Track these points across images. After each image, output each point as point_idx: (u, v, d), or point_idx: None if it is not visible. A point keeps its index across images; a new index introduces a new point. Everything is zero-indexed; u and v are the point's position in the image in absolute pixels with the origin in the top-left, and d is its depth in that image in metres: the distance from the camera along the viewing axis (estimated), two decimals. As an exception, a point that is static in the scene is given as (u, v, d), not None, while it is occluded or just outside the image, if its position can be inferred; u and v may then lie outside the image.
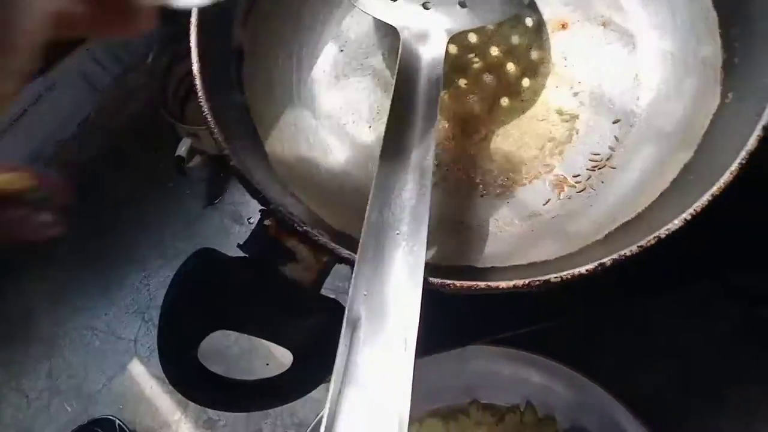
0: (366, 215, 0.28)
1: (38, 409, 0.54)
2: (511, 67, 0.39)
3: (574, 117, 0.38)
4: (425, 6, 0.35)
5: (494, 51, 0.39)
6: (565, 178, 0.37)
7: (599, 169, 0.37)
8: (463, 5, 0.35)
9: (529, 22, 0.39)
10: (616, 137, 0.37)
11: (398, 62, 0.33)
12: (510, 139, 0.39)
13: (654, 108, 0.37)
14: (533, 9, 0.39)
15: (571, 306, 0.46)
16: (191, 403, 0.53)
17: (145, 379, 0.54)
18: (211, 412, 0.52)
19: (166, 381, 0.53)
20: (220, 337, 0.53)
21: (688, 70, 0.36)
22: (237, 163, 0.30)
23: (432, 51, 0.33)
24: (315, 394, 0.33)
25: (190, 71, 0.57)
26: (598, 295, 0.45)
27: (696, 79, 0.35)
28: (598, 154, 0.37)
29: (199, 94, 0.32)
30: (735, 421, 0.47)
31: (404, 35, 0.34)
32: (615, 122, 0.38)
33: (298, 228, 0.29)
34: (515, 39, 0.39)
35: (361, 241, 0.27)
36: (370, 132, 0.39)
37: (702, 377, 0.48)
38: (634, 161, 0.36)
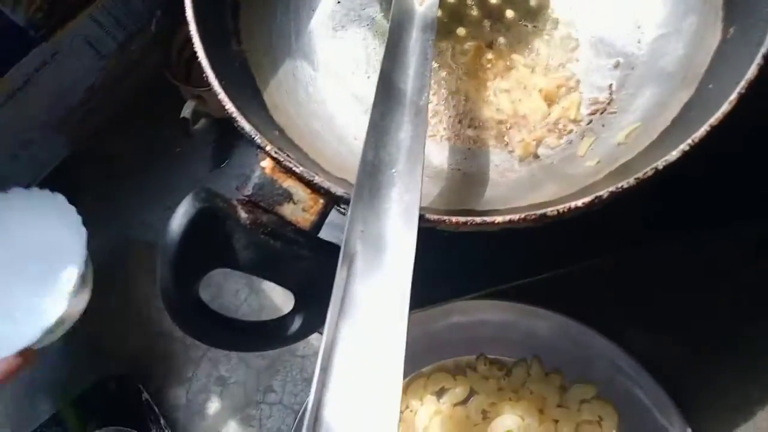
0: (362, 154, 0.28)
1: (51, 369, 0.56)
2: (510, 13, 0.39)
3: (574, 63, 0.38)
4: None
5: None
6: (566, 123, 0.37)
7: (600, 113, 0.37)
8: None
9: (527, -33, 0.39)
10: (617, 80, 0.37)
11: (392, 6, 0.33)
12: (510, 87, 0.38)
13: (655, 49, 0.36)
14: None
15: (577, 256, 0.46)
16: (203, 361, 0.54)
17: (156, 336, 0.55)
18: (223, 370, 0.53)
19: (177, 339, 0.54)
20: (230, 297, 0.54)
21: (689, 9, 0.35)
22: (232, 108, 0.30)
23: None
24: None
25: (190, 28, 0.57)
26: (605, 244, 0.45)
27: (696, 17, 0.35)
28: (599, 98, 0.37)
29: (196, 45, 0.33)
30: (738, 376, 0.47)
31: None
32: (616, 66, 0.37)
33: (294, 168, 0.29)
34: (514, -16, 0.39)
35: (356, 179, 0.27)
36: (368, 82, 0.39)
37: (708, 331, 0.47)
38: (636, 103, 0.36)
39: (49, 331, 0.49)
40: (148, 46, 0.58)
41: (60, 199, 0.53)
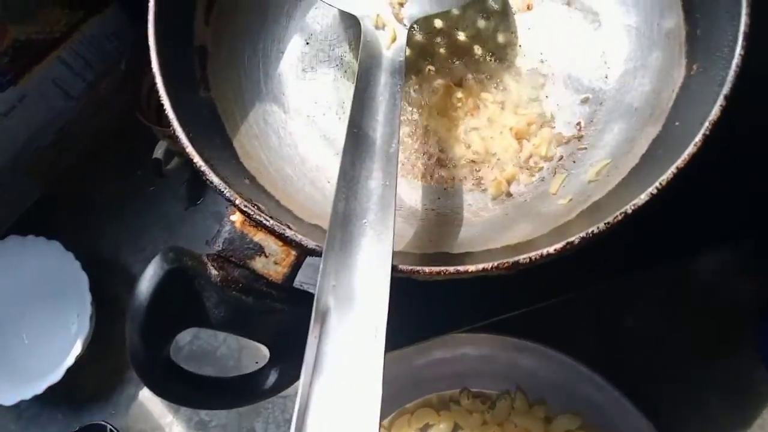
0: (332, 205, 0.28)
1: (29, 419, 0.54)
2: (478, 50, 0.39)
3: (543, 99, 0.38)
4: None
5: (461, 36, 0.39)
6: (537, 159, 0.37)
7: (570, 149, 0.37)
8: None
9: (494, 4, 0.39)
10: (586, 116, 0.37)
11: (360, 51, 0.33)
12: (480, 125, 0.38)
13: (622, 84, 0.37)
14: (497, -9, 0.39)
15: (557, 289, 0.46)
16: (182, 407, 0.53)
17: (135, 383, 0.54)
18: (203, 414, 0.52)
19: (155, 384, 0.53)
20: (209, 339, 0.53)
21: (653, 44, 0.36)
22: (199, 161, 0.30)
23: (394, 38, 0.33)
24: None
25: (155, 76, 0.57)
26: (584, 277, 0.45)
27: (661, 52, 0.35)
28: (569, 134, 0.37)
29: (162, 96, 0.32)
30: (727, 403, 0.47)
31: (365, 24, 0.34)
32: (584, 101, 0.37)
33: (264, 222, 0.29)
34: (481, 23, 0.39)
35: (328, 230, 0.27)
36: (340, 123, 0.39)
37: (693, 359, 0.48)
38: (605, 139, 0.36)
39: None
40: (118, 85, 0.58)
41: (57, 245, 0.53)
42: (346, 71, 0.40)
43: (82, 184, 0.60)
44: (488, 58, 0.39)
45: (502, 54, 0.39)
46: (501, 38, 0.39)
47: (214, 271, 0.28)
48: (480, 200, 0.37)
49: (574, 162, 0.36)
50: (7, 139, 0.52)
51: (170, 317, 0.27)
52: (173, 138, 0.53)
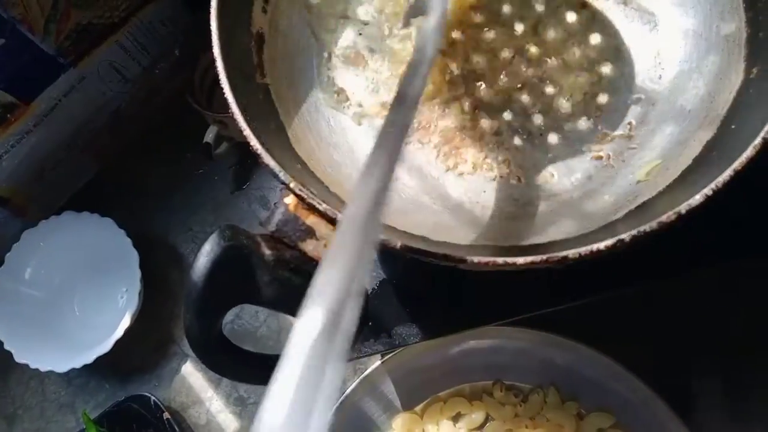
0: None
1: (78, 387, 0.57)
2: (534, 49, 0.39)
3: (595, 96, 0.38)
4: None
5: (519, 28, 0.39)
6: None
7: (619, 148, 0.37)
8: None
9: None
10: (637, 116, 0.37)
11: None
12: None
13: (675, 86, 0.36)
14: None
15: (597, 286, 0.46)
16: (223, 381, 0.55)
17: (178, 357, 0.56)
18: (242, 390, 0.54)
19: (197, 360, 0.55)
20: (250, 319, 0.55)
21: (711, 47, 0.35)
22: (256, 144, 0.31)
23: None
24: (340, 372, 0.34)
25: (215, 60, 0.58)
26: (625, 275, 0.45)
27: (718, 55, 0.35)
28: (618, 133, 0.37)
29: (221, 77, 0.33)
30: (763, 408, 0.46)
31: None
32: (636, 101, 0.37)
33: (317, 206, 0.30)
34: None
35: None
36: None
37: (731, 361, 0.47)
38: (656, 140, 0.36)
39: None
40: (172, 70, 0.60)
41: (110, 222, 0.55)
42: (396, 62, 0.41)
43: (134, 164, 0.62)
44: (545, 56, 0.39)
45: (557, 50, 0.39)
46: (553, 35, 0.39)
47: (267, 251, 0.29)
48: (525, 195, 0.37)
49: (622, 161, 0.36)
50: (66, 118, 0.54)
51: (224, 293, 0.28)
52: (223, 123, 0.55)
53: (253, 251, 0.29)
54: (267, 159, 0.31)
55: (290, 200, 0.30)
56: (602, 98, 0.38)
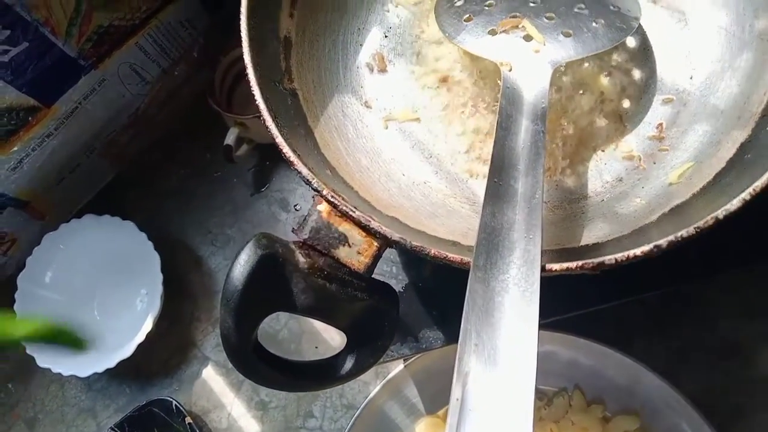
0: (473, 259, 0.27)
1: (98, 391, 0.57)
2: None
3: (626, 98, 0.38)
4: (526, 39, 0.34)
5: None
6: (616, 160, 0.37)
7: (650, 150, 0.37)
8: (567, 35, 0.33)
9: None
10: (668, 117, 0.37)
11: (500, 98, 0.32)
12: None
13: (708, 85, 0.36)
14: None
15: (624, 290, 0.45)
16: (244, 385, 0.55)
17: (199, 361, 0.56)
18: (263, 394, 0.54)
19: (219, 363, 0.55)
20: (271, 322, 0.55)
21: (744, 45, 0.35)
22: (289, 152, 0.31)
23: (536, 84, 0.32)
24: (364, 376, 0.34)
25: (236, 62, 0.58)
26: (653, 278, 0.45)
27: (752, 54, 0.34)
28: (650, 134, 0.37)
29: (252, 83, 0.33)
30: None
31: (504, 71, 0.33)
32: (667, 101, 0.37)
33: (351, 212, 0.30)
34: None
35: (468, 287, 0.26)
36: (414, 116, 0.39)
37: (758, 368, 0.47)
38: (688, 141, 0.36)
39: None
40: (191, 71, 0.59)
41: (130, 225, 0.55)
42: (423, 66, 0.40)
43: (153, 166, 0.62)
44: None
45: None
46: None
47: (301, 258, 0.29)
48: (555, 198, 0.37)
49: (654, 163, 0.36)
50: (86, 120, 0.54)
51: (261, 301, 0.28)
52: (244, 124, 0.55)
53: (287, 259, 0.29)
54: (300, 167, 0.31)
55: (323, 207, 0.30)
56: (631, 98, 0.37)
